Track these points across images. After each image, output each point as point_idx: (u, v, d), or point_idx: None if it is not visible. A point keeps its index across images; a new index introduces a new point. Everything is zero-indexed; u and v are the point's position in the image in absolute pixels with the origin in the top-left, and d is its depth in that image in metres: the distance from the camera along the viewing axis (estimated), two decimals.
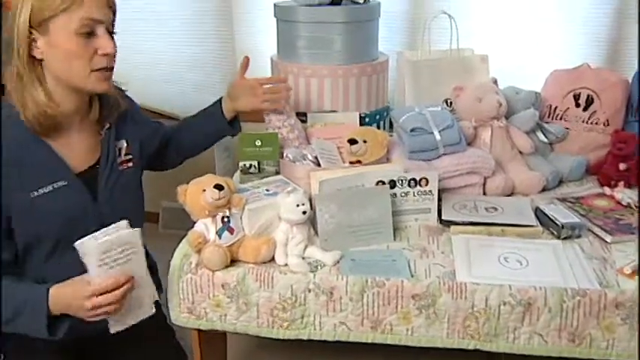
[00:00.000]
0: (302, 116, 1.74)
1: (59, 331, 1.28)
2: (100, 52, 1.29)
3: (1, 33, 1.33)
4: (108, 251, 1.17)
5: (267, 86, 1.62)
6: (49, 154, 1.36)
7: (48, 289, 1.26)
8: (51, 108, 1.32)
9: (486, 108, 1.64)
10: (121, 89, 1.51)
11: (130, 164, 1.49)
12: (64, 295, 1.25)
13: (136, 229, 1.21)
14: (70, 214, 1.37)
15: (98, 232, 1.18)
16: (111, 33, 1.34)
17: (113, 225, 1.20)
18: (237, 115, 1.69)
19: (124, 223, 1.20)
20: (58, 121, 1.35)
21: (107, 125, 1.44)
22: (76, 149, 1.40)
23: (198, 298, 1.28)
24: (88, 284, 1.20)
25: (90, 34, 1.29)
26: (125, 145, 1.49)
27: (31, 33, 1.29)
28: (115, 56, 1.34)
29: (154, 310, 1.28)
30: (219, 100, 1.68)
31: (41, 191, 1.34)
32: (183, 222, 1.38)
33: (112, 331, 1.25)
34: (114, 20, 1.36)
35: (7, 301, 1.28)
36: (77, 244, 1.16)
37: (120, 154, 1.47)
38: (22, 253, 1.38)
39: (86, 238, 1.17)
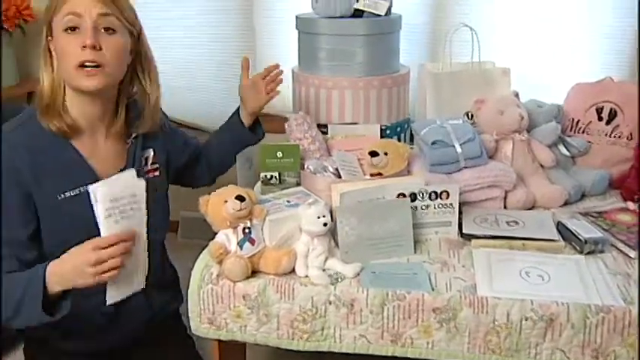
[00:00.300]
0: (323, 128, 1.74)
1: (59, 312, 1.26)
2: (81, 45, 1.30)
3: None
4: (116, 199, 1.16)
5: (267, 78, 1.65)
6: (76, 158, 1.38)
7: (46, 267, 1.24)
8: (65, 119, 1.35)
9: (508, 121, 1.64)
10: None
11: (157, 173, 1.51)
12: (65, 263, 1.23)
13: (141, 179, 1.20)
14: (92, 219, 1.39)
15: (109, 179, 1.18)
16: (109, 30, 1.33)
17: (122, 173, 1.19)
18: (258, 121, 1.70)
19: (132, 171, 1.21)
20: (78, 126, 1.37)
21: (134, 134, 1.46)
22: (103, 155, 1.43)
23: (219, 308, 1.29)
24: (87, 242, 1.19)
25: (75, 29, 1.30)
26: (152, 154, 1.50)
27: (47, 38, 1.34)
28: (100, 52, 1.31)
29: (143, 286, 1.27)
30: (237, 110, 1.69)
31: (67, 194, 1.36)
32: (202, 231, 1.39)
33: (109, 301, 1.22)
34: (119, 20, 1.34)
35: (9, 293, 1.26)
36: (91, 188, 1.15)
37: (146, 163, 1.49)
38: (48, 258, 1.39)
39: (99, 183, 1.16)
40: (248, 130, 1.68)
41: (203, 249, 1.35)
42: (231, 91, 2.47)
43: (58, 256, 1.36)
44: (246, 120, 1.68)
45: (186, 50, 2.50)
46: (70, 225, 1.37)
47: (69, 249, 1.37)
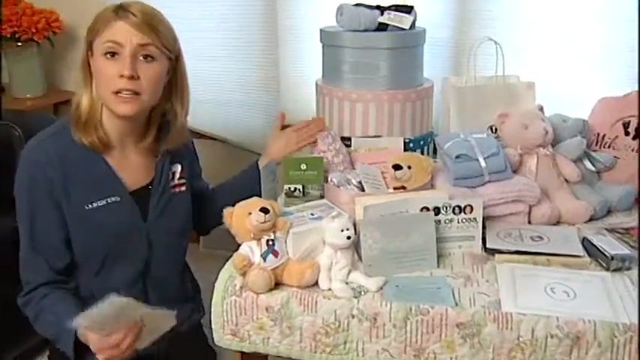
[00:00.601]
0: (346, 140, 1.75)
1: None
2: (119, 74, 1.33)
3: None
4: (102, 322, 1.21)
5: (305, 131, 1.66)
6: (105, 170, 1.41)
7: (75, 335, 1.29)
8: (98, 132, 1.37)
9: (532, 135, 1.63)
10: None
11: (183, 188, 1.52)
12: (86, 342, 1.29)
13: (127, 300, 1.21)
14: (119, 229, 1.42)
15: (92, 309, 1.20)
16: (148, 57, 1.35)
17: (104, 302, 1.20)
18: None
19: (112, 299, 1.20)
20: (110, 140, 1.40)
21: (164, 149, 1.48)
22: (132, 168, 1.45)
23: (242, 320, 1.29)
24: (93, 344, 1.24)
25: (114, 55, 1.33)
26: (180, 168, 1.52)
27: (87, 55, 1.37)
28: (137, 81, 1.34)
29: (174, 322, 1.31)
30: (256, 163, 1.69)
31: (95, 204, 1.39)
32: (224, 242, 1.40)
33: (140, 347, 1.29)
34: (159, 48, 1.36)
35: (50, 323, 1.35)
36: (75, 321, 1.19)
37: (173, 178, 1.51)
38: (77, 268, 1.42)
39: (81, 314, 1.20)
40: None
41: (226, 260, 1.36)
42: (254, 105, 2.51)
43: (83, 269, 1.39)
44: None
45: (210, 63, 2.53)
46: (97, 235, 1.39)
47: (96, 259, 1.40)
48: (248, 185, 1.62)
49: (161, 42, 1.36)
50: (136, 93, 1.34)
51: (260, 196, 1.59)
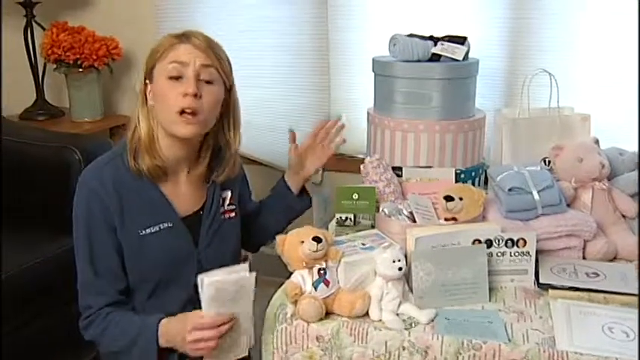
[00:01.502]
0: (397, 170, 1.75)
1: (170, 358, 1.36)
2: (183, 93, 1.36)
3: None
4: (222, 290, 1.23)
5: (324, 132, 1.69)
6: (158, 196, 1.44)
7: (158, 324, 1.35)
8: (157, 159, 1.40)
9: (588, 169, 1.60)
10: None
11: (233, 214, 1.55)
12: (172, 328, 1.34)
13: (252, 273, 1.26)
14: (171, 255, 1.44)
15: (220, 270, 1.25)
16: (208, 83, 1.39)
17: (236, 266, 1.27)
18: (304, 189, 1.72)
19: (245, 266, 1.27)
20: (165, 168, 1.43)
21: (215, 174, 1.50)
22: (183, 194, 1.48)
23: (292, 349, 1.29)
24: (192, 319, 1.28)
25: (179, 78, 1.36)
26: (230, 195, 1.55)
27: (145, 83, 1.41)
28: (200, 100, 1.37)
29: (246, 353, 1.33)
30: (282, 178, 1.71)
31: (148, 230, 1.42)
32: (272, 268, 1.42)
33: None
34: (218, 72, 1.41)
35: (124, 331, 1.38)
36: (199, 276, 1.23)
37: (224, 204, 1.53)
38: (130, 292, 1.45)
39: (208, 273, 1.24)
40: (296, 197, 1.70)
41: (277, 287, 1.37)
42: (303, 131, 2.51)
43: (135, 294, 1.42)
44: (295, 188, 1.69)
45: (260, 89, 2.55)
46: (150, 261, 1.42)
47: (148, 283, 1.43)
48: (285, 204, 1.69)
49: (221, 66, 1.41)
50: (197, 113, 1.37)
51: (295, 211, 1.70)
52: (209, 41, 1.41)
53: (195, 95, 1.36)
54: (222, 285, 1.23)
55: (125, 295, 1.43)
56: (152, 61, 1.40)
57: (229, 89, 1.47)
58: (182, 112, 1.36)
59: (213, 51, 1.40)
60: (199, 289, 1.23)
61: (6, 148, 2.16)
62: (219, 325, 1.25)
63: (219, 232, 1.50)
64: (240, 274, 1.25)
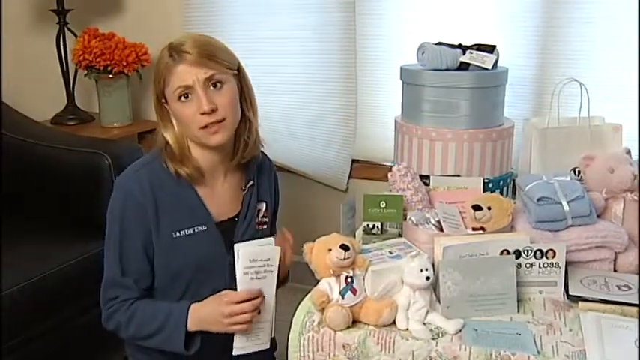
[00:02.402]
0: (425, 179, 1.75)
1: (192, 347, 1.38)
2: (199, 112, 1.37)
3: None
4: (255, 260, 1.33)
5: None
6: (194, 199, 1.46)
7: (189, 306, 1.37)
8: (191, 165, 1.42)
9: (619, 180, 1.58)
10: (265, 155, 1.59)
11: (265, 227, 1.56)
12: (204, 308, 1.37)
13: (277, 247, 1.35)
14: (203, 258, 1.46)
15: (252, 241, 1.35)
16: (217, 84, 1.38)
17: (261, 239, 1.36)
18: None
19: (270, 239, 1.36)
20: (201, 172, 1.45)
21: (250, 182, 1.51)
22: (219, 199, 1.49)
23: (319, 356, 1.29)
24: (226, 294, 1.32)
25: (188, 96, 1.37)
26: (264, 207, 1.56)
27: (160, 103, 1.42)
28: (218, 111, 1.37)
29: (267, 345, 1.40)
30: None
31: (182, 232, 1.44)
32: (300, 275, 1.43)
33: (236, 352, 1.36)
34: (223, 71, 1.39)
35: (153, 315, 1.40)
36: (236, 245, 1.32)
37: (258, 216, 1.54)
38: (160, 292, 1.46)
39: (243, 243, 1.34)
40: None
41: (305, 294, 1.37)
42: (330, 139, 2.53)
43: (167, 295, 1.44)
44: None
45: (288, 97, 2.57)
46: (182, 263, 1.44)
47: (180, 284, 1.44)
48: None
49: (223, 66, 1.40)
50: (219, 121, 1.39)
51: None
52: (201, 50, 1.37)
53: (212, 110, 1.37)
54: (255, 254, 1.32)
55: (149, 292, 1.46)
56: (158, 86, 1.41)
57: (238, 72, 1.46)
58: (204, 127, 1.38)
59: (209, 57, 1.38)
60: (235, 258, 1.31)
61: (39, 153, 2.19)
62: (253, 299, 1.30)
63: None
64: (269, 247, 1.35)
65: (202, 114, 1.36)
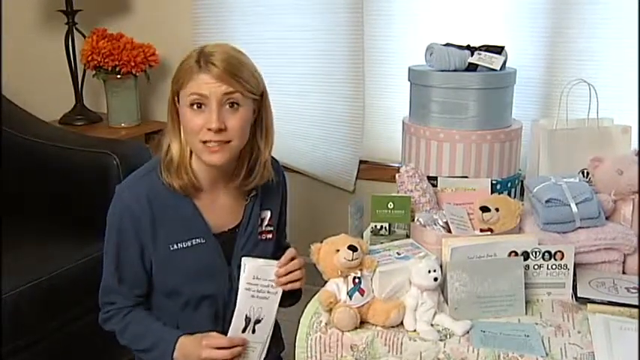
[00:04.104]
0: (432, 180, 1.74)
1: None
2: (206, 127, 1.33)
3: None
4: (259, 278, 1.35)
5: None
6: (191, 211, 1.43)
7: (178, 337, 1.38)
8: (188, 177, 1.41)
9: (628, 181, 1.57)
10: (276, 161, 1.56)
11: (270, 235, 1.53)
12: (187, 344, 1.37)
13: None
14: (202, 271, 1.44)
15: (262, 259, 1.37)
16: (234, 105, 1.34)
17: (272, 260, 1.37)
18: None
19: (275, 262, 1.37)
20: (200, 184, 1.43)
21: (253, 192, 1.50)
22: (219, 210, 1.47)
23: (326, 357, 1.29)
24: (209, 337, 1.34)
25: (201, 106, 1.33)
26: (269, 215, 1.52)
27: (174, 104, 1.41)
28: (224, 131, 1.33)
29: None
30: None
31: (180, 245, 1.42)
32: (307, 276, 1.41)
33: None
34: (243, 94, 1.34)
35: (142, 335, 1.42)
36: (244, 258, 1.36)
37: (262, 224, 1.51)
38: (159, 306, 1.46)
39: (251, 258, 1.37)
40: None
41: (313, 295, 1.37)
42: (337, 139, 2.53)
43: (167, 306, 1.47)
44: None
45: (295, 97, 2.57)
46: (179, 275, 1.43)
47: (180, 296, 1.44)
48: None
49: (245, 88, 1.35)
50: (225, 142, 1.35)
51: None
52: (229, 66, 1.33)
53: (220, 130, 1.32)
54: (259, 273, 1.33)
55: (145, 298, 1.48)
56: (176, 85, 1.38)
57: (260, 98, 1.42)
58: (206, 142, 1.34)
59: (234, 76, 1.33)
60: (241, 271, 1.33)
61: (47, 152, 2.20)
62: (233, 347, 1.32)
63: (254, 251, 1.46)
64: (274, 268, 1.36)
65: (209, 130, 1.32)
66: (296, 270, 1.39)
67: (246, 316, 1.37)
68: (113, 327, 1.46)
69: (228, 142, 1.35)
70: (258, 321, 1.38)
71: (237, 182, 1.46)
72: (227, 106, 1.34)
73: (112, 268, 1.44)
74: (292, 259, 1.39)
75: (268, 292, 1.36)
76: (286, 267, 1.38)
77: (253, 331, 1.37)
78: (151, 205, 1.40)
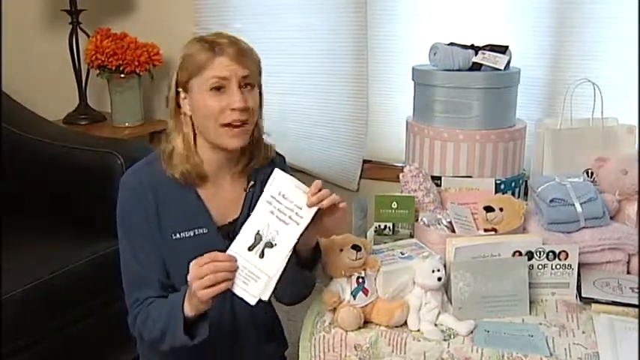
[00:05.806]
0: (436, 180, 1.74)
1: (198, 335, 1.29)
2: (230, 107, 1.35)
3: None
4: (285, 196, 1.22)
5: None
6: (195, 201, 1.44)
7: (185, 292, 1.29)
8: (193, 164, 1.41)
9: (633, 181, 1.57)
10: (282, 158, 1.57)
11: None
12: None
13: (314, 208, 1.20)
14: None
15: (294, 178, 1.24)
16: (248, 86, 1.37)
17: (303, 185, 1.23)
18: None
19: (308, 189, 1.23)
20: (203, 174, 1.44)
21: (252, 182, 1.50)
22: (222, 201, 1.47)
23: (330, 357, 1.29)
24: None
25: (221, 89, 1.35)
26: None
27: (178, 93, 1.41)
28: (248, 111, 1.36)
29: (252, 302, 1.21)
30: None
31: (182, 235, 1.42)
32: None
33: (234, 290, 1.22)
34: (254, 74, 1.39)
35: (161, 310, 1.34)
36: (276, 169, 1.25)
37: None
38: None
39: (284, 173, 1.24)
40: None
41: (317, 294, 1.37)
42: (341, 139, 2.53)
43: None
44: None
45: (296, 96, 2.57)
46: (181, 265, 1.42)
47: (180, 288, 1.43)
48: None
49: (257, 69, 1.41)
50: (245, 123, 1.37)
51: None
52: (241, 49, 1.37)
53: (245, 109, 1.35)
54: (287, 190, 1.21)
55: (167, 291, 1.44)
56: (187, 74, 1.38)
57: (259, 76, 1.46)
58: (228, 124, 1.36)
59: (248, 57, 1.38)
60: (268, 182, 1.24)
61: (51, 152, 2.20)
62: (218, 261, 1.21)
63: None
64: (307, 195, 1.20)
65: (233, 109, 1.35)
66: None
67: (258, 232, 1.22)
68: (138, 325, 1.39)
69: (247, 124, 1.38)
70: (270, 245, 1.21)
71: (241, 166, 1.47)
72: (245, 87, 1.37)
73: (131, 256, 1.40)
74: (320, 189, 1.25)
75: (290, 217, 1.20)
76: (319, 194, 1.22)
77: (261, 255, 1.21)
78: (155, 193, 1.40)
